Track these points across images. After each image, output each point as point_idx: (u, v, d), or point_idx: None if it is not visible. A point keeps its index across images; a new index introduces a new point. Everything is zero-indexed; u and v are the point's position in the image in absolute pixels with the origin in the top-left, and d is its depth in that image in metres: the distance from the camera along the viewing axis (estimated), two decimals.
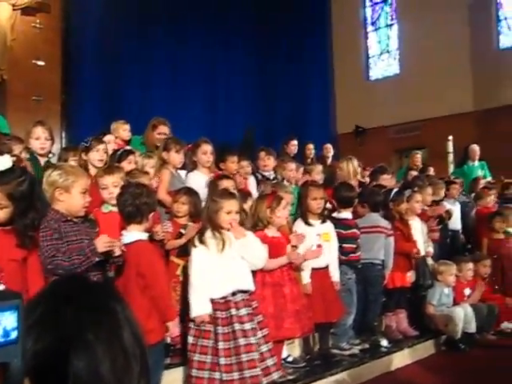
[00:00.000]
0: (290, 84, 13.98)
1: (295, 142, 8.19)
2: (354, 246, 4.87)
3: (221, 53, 13.01)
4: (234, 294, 3.55)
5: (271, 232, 4.08)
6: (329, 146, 9.04)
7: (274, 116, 13.69)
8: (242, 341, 3.44)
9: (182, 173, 5.18)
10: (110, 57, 11.78)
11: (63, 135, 11.29)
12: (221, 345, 3.45)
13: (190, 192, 4.35)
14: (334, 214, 4.94)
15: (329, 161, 8.71)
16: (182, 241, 4.13)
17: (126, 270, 3.25)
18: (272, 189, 4.54)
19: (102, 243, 2.88)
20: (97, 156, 4.39)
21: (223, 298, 3.52)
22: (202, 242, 3.52)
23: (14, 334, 0.69)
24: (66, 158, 4.87)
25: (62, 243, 2.92)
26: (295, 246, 4.32)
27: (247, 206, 4.28)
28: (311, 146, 8.55)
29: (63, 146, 10.37)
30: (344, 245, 4.75)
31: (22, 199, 2.78)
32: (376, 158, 12.83)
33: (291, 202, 4.54)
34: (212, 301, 3.49)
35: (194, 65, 12.59)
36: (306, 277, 4.39)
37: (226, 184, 4.39)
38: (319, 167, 6.45)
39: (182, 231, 4.20)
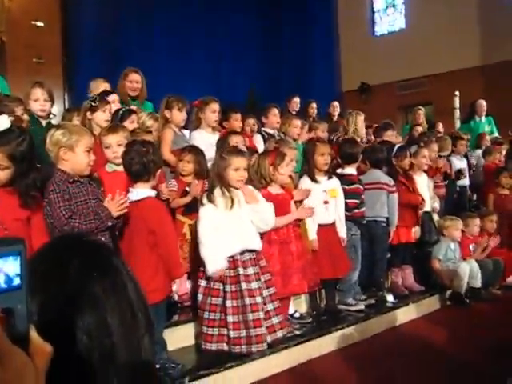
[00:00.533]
0: (293, 42, 13.79)
1: (297, 100, 8.12)
2: (358, 201, 4.85)
3: (223, 13, 12.75)
4: (241, 253, 3.56)
5: (275, 189, 4.07)
6: (335, 103, 8.91)
7: (279, 75, 13.53)
8: (248, 300, 3.49)
9: (186, 132, 5.13)
10: (111, 16, 11.55)
11: (65, 97, 11.22)
12: (228, 303, 3.49)
13: (195, 150, 4.32)
14: (339, 171, 4.90)
15: (335, 118, 8.57)
16: (188, 199, 4.14)
17: (133, 227, 3.25)
18: (275, 145, 4.46)
19: (115, 207, 2.88)
20: (103, 116, 4.30)
21: (231, 256, 3.51)
22: (210, 200, 3.51)
23: (17, 280, 0.67)
24: (69, 118, 4.82)
25: (73, 204, 2.91)
26: (300, 202, 4.31)
27: (252, 162, 4.25)
28: (314, 105, 8.41)
29: (65, 108, 10.34)
30: (347, 200, 4.74)
31: (23, 159, 2.78)
32: (381, 114, 12.61)
33: (295, 158, 4.48)
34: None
35: (197, 25, 12.36)
36: (312, 233, 4.38)
37: (235, 140, 4.37)
38: (324, 124, 6.38)
39: (188, 189, 4.20)
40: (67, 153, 3.02)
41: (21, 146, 2.76)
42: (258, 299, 3.52)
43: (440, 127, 8.61)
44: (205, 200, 3.53)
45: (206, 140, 4.75)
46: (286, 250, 3.95)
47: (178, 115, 4.85)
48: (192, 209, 4.08)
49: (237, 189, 3.61)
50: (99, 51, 11.36)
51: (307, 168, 4.64)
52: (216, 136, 4.89)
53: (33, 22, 10.74)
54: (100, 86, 5.59)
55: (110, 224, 2.95)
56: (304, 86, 13.17)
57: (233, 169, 3.54)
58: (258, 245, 3.65)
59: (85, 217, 2.91)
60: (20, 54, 10.52)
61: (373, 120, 10.44)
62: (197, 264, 3.76)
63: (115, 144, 3.71)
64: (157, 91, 11.41)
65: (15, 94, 9.09)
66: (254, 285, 3.52)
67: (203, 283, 3.56)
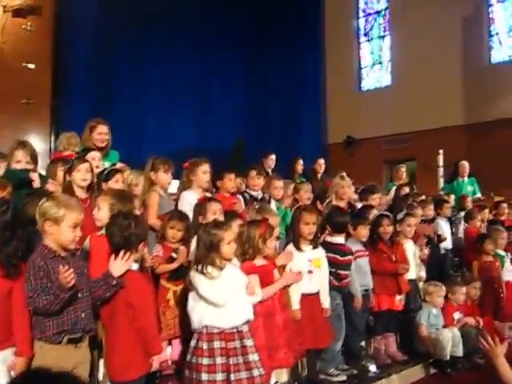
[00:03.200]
0: (281, 94, 14.06)
1: (273, 157, 8.36)
2: (349, 272, 4.84)
3: (213, 62, 13.00)
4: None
5: (258, 260, 4.03)
6: (321, 161, 9.01)
7: (265, 125, 13.77)
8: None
9: (175, 182, 5.13)
10: (101, 60, 11.70)
11: (52, 139, 11.20)
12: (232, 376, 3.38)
13: (183, 217, 4.32)
14: (328, 239, 4.88)
15: (319, 175, 8.65)
16: (174, 265, 4.12)
17: (113, 301, 3.20)
18: (262, 215, 4.42)
19: (62, 279, 2.78)
20: (79, 175, 4.31)
21: (235, 327, 3.44)
22: (206, 276, 3.42)
23: None
24: (54, 170, 4.77)
25: (47, 282, 2.83)
26: (283, 267, 4.29)
27: (235, 227, 4.14)
28: (301, 162, 8.53)
29: (52, 150, 10.31)
30: (340, 271, 4.73)
31: (5, 228, 2.77)
32: (366, 169, 12.97)
33: (277, 225, 4.47)
34: (222, 331, 3.41)
35: (187, 77, 12.64)
36: (295, 303, 4.32)
37: (215, 208, 4.33)
38: (308, 186, 6.35)
39: (174, 255, 4.17)
40: (52, 226, 2.97)
41: (3, 215, 2.76)
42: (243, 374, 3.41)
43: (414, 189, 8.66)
44: (201, 277, 3.44)
45: (194, 200, 4.72)
46: (271, 322, 3.87)
47: (165, 177, 4.85)
48: (178, 275, 4.07)
49: (229, 261, 3.54)
50: (89, 94, 11.47)
51: (292, 236, 4.61)
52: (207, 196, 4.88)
53: (24, 64, 10.78)
54: (70, 140, 5.59)
55: (66, 295, 2.83)
56: (291, 137, 13.49)
57: (226, 243, 3.50)
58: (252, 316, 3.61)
59: (44, 293, 2.82)
60: (9, 95, 10.53)
61: (357, 174, 10.58)
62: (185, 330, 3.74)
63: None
64: (145, 137, 11.57)
65: (2, 134, 9.18)
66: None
67: (205, 346, 3.40)
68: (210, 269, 3.42)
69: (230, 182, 5.38)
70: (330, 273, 4.69)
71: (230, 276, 3.46)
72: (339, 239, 4.91)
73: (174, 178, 5.07)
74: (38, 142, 10.95)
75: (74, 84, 11.26)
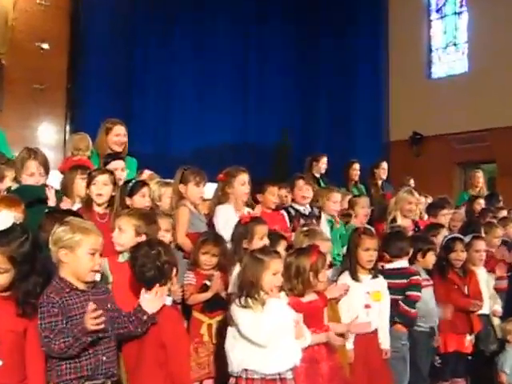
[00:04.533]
0: (335, 82, 13.99)
1: (325, 160, 8.34)
2: (419, 293, 4.88)
3: (255, 48, 13.11)
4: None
5: (309, 297, 4.04)
6: (385, 165, 8.71)
7: (316, 119, 13.73)
8: None
9: (210, 186, 5.22)
10: (124, 40, 11.86)
11: (67, 128, 11.49)
12: None
13: (219, 240, 4.38)
14: (387, 266, 4.94)
15: (379, 183, 8.58)
16: (209, 295, 4.18)
17: (142, 340, 3.29)
18: (311, 241, 4.41)
19: (88, 320, 2.85)
20: (94, 189, 4.42)
21: (278, 373, 3.50)
22: (249, 310, 3.48)
23: None
24: (71, 178, 4.90)
25: (61, 319, 2.93)
26: (335, 299, 4.37)
27: (281, 251, 4.20)
28: (357, 167, 8.44)
29: (67, 140, 10.56)
30: (409, 292, 4.81)
31: (24, 262, 2.86)
32: (435, 172, 12.84)
33: (328, 251, 4.54)
34: (264, 377, 3.47)
35: (223, 56, 12.63)
36: (348, 343, 4.35)
37: (262, 231, 4.35)
38: (365, 200, 6.35)
39: (207, 283, 4.25)
40: (67, 254, 3.06)
41: (22, 246, 2.85)
42: None
43: (500, 201, 8.45)
44: (241, 310, 3.51)
45: (234, 217, 4.77)
46: (315, 370, 3.88)
47: (195, 191, 4.90)
48: (213, 305, 4.16)
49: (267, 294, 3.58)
50: (109, 79, 11.69)
51: (349, 263, 4.67)
52: (244, 212, 4.92)
53: (37, 44, 11.07)
54: (78, 144, 5.75)
55: (88, 339, 2.91)
56: (345, 133, 13.44)
57: (271, 273, 3.53)
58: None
59: (62, 334, 2.90)
60: (20, 79, 10.83)
61: (425, 177, 10.52)
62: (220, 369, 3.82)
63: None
64: (172, 131, 11.79)
65: (12, 126, 9.44)
66: None
67: None
68: (254, 302, 3.47)
69: (273, 196, 5.43)
70: (396, 302, 4.75)
71: (278, 313, 3.49)
72: (401, 263, 4.96)
73: (209, 180, 5.16)
74: (51, 132, 11.35)
75: (92, 67, 11.50)
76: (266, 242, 4.25)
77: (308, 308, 3.93)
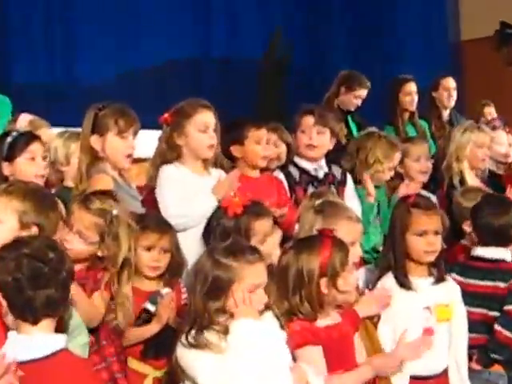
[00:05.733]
0: None
1: (412, 88, 5.95)
2: None
3: None
4: None
5: (326, 319, 2.91)
6: (450, 82, 6.28)
7: (328, 13, 9.93)
8: None
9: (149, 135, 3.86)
10: None
11: None
12: None
13: (167, 226, 3.25)
14: (476, 252, 3.64)
15: (445, 114, 6.33)
16: (154, 329, 3.02)
17: None
18: (327, 223, 3.16)
19: None
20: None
21: None
22: (208, 350, 2.58)
23: None
24: None
25: None
26: (372, 318, 3.19)
27: (271, 244, 3.17)
28: (412, 87, 5.96)
29: None
30: (510, 307, 3.46)
31: None
32: None
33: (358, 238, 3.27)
34: None
35: None
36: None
37: (263, 229, 3.19)
38: (423, 147, 4.77)
39: (149, 307, 3.08)
40: None
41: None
42: None
43: None
44: (195, 353, 2.58)
45: (189, 184, 3.56)
46: None
47: (119, 146, 3.51)
48: (160, 347, 3.05)
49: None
50: None
51: (392, 258, 3.29)
52: (211, 178, 3.61)
53: None
54: None
55: None
56: (380, 34, 9.99)
57: (244, 289, 2.56)
58: None
59: None
60: None
61: None
62: None
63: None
64: (77, 47, 7.95)
65: None
66: None
67: None
68: (214, 336, 2.55)
69: (259, 146, 3.90)
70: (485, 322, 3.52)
71: (260, 350, 2.55)
72: (498, 252, 3.60)
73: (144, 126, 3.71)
74: None
75: None
76: (274, 247, 3.19)
77: (327, 337, 2.88)
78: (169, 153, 3.66)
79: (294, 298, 2.85)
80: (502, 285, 3.52)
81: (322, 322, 2.85)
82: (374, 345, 3.21)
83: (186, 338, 2.52)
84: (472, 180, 4.65)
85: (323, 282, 2.80)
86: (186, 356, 2.56)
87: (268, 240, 3.18)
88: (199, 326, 2.54)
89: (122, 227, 2.88)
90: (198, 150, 3.61)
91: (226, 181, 3.50)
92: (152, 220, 3.21)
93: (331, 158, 4.40)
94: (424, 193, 4.25)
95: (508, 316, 3.49)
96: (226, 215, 3.26)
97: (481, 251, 3.58)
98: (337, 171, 4.40)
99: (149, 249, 3.08)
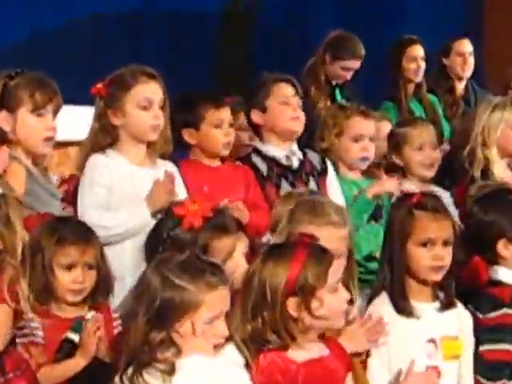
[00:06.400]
0: None
1: (419, 51, 5.16)
2: None
3: None
4: None
5: (304, 352, 2.51)
6: (466, 45, 5.44)
7: None
8: None
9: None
10: None
11: None
12: None
13: (86, 233, 2.73)
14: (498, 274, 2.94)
15: (459, 88, 5.46)
16: (79, 362, 2.61)
17: None
18: (304, 225, 2.76)
19: None
20: None
21: None
22: None
23: None
24: None
25: None
26: (359, 355, 2.72)
27: (235, 259, 2.72)
28: (419, 51, 5.17)
29: None
30: None
31: None
32: None
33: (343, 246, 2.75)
34: None
35: None
36: None
37: (227, 248, 2.77)
38: (428, 130, 3.97)
39: (72, 337, 2.69)
40: None
41: None
42: None
43: None
44: None
45: (124, 181, 3.06)
46: None
47: (34, 125, 3.04)
48: None
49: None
50: None
51: (389, 274, 2.84)
52: (155, 171, 3.10)
53: None
54: None
55: None
56: None
57: (205, 318, 2.21)
58: None
59: None
60: None
61: None
62: None
63: None
64: None
65: None
66: None
67: None
68: (156, 379, 2.22)
69: (219, 128, 3.34)
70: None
71: None
72: None
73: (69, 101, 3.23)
74: None
75: None
76: (242, 263, 2.74)
77: (307, 377, 2.48)
78: (101, 136, 3.08)
79: (256, 321, 2.41)
80: None
81: (302, 354, 2.37)
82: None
83: (121, 380, 2.21)
84: (502, 172, 3.91)
85: (291, 302, 2.35)
86: None
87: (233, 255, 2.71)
88: (138, 363, 2.22)
89: (12, 207, 2.40)
90: (139, 133, 3.06)
91: (160, 188, 2.91)
92: (69, 228, 2.64)
93: (304, 142, 3.71)
94: (436, 190, 3.56)
95: None
96: (180, 226, 2.76)
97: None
98: (314, 158, 3.73)
99: (69, 267, 2.59)
